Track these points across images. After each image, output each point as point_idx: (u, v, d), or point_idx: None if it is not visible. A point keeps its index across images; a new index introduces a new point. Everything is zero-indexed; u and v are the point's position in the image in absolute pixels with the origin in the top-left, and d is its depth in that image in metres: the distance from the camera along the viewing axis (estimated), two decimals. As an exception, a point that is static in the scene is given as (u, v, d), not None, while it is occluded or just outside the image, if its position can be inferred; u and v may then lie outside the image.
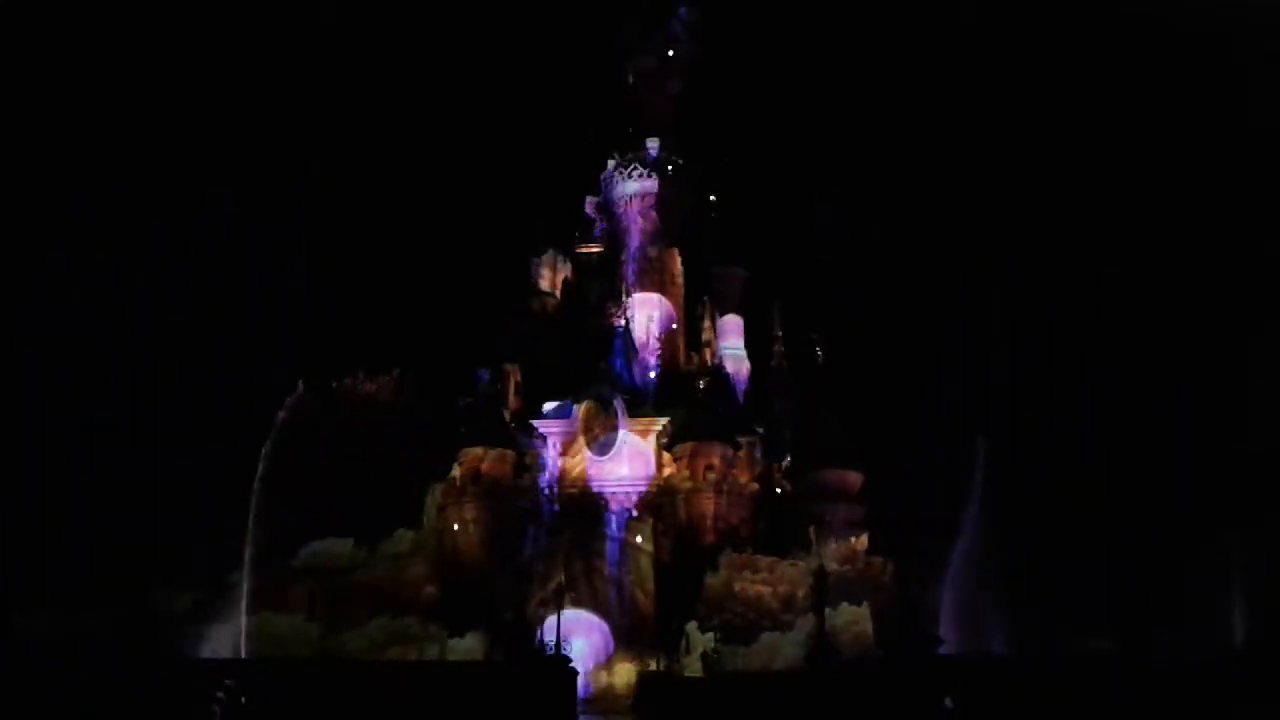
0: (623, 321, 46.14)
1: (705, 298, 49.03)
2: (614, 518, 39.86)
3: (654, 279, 48.59)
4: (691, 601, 36.34)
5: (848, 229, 60.58)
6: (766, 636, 33.75)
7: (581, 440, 42.10)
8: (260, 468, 34.25)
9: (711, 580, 36.67)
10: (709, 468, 41.02)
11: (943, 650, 33.30)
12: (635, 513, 40.34)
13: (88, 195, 55.79)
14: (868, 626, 33.27)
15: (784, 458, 43.98)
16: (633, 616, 37.63)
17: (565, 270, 50.25)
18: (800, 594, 34.88)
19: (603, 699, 35.14)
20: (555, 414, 42.87)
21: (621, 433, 41.81)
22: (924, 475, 41.95)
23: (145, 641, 33.17)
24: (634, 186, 50.38)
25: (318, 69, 64.93)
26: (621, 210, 50.56)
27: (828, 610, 31.65)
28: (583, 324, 46.86)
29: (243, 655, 32.29)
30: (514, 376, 45.05)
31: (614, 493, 41.31)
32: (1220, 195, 56.70)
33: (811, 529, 38.65)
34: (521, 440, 42.65)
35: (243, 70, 63.10)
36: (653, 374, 46.27)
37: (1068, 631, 35.57)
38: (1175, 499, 43.42)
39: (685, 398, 44.06)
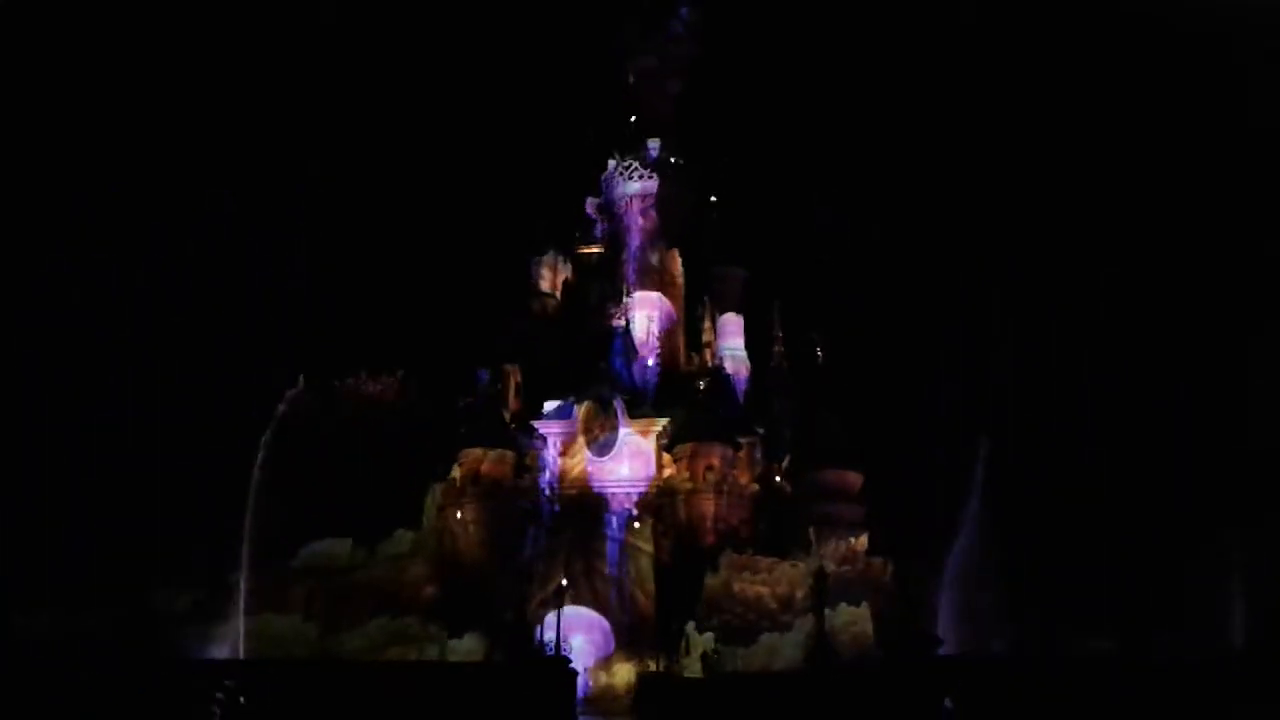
0: (623, 322, 46.09)
1: (705, 298, 49.00)
2: (614, 518, 39.85)
3: (654, 279, 48.56)
4: (691, 602, 36.31)
5: (848, 229, 60.58)
6: (766, 637, 33.72)
7: (581, 441, 42.08)
8: (259, 455, 34.32)
9: (711, 581, 36.65)
10: (709, 468, 41.00)
11: (942, 650, 33.32)
12: (635, 513, 40.30)
13: (88, 195, 55.82)
14: (867, 627, 33.23)
15: (784, 458, 43.94)
16: (633, 617, 37.62)
17: (565, 271, 50.20)
18: (800, 594, 34.86)
19: (602, 699, 35.16)
20: (555, 414, 42.86)
21: (621, 433, 41.79)
22: (924, 475, 42.02)
23: (145, 641, 33.16)
24: (634, 187, 50.34)
25: (318, 69, 64.95)
26: (622, 210, 50.51)
27: (827, 611, 31.65)
28: (583, 325, 46.81)
29: (241, 656, 32.29)
30: (514, 377, 45.04)
31: (614, 493, 41.28)
32: (1220, 195, 56.70)
33: (811, 529, 38.65)
34: (521, 441, 42.65)
35: (243, 70, 63.12)
36: (652, 374, 46.22)
37: (1068, 631, 35.52)
38: (1175, 499, 43.42)
39: (685, 398, 44.03)
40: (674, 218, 49.98)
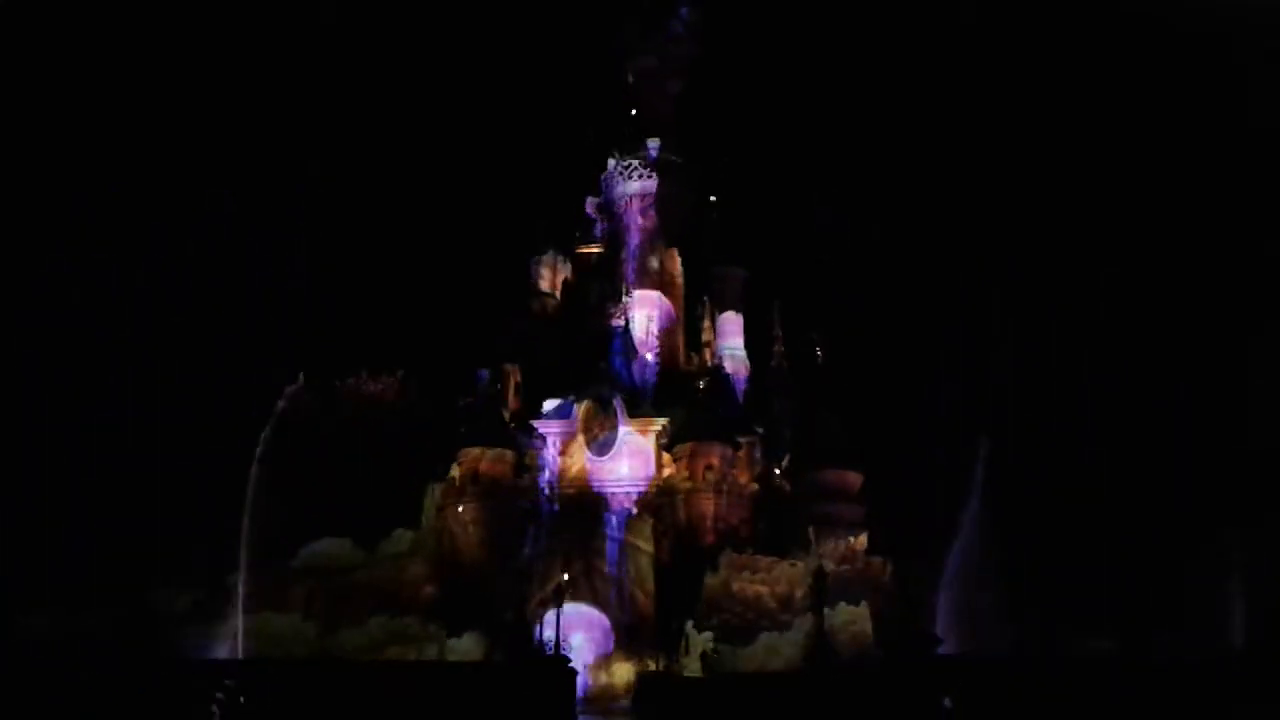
0: (622, 321, 46.07)
1: (705, 298, 48.97)
2: (614, 518, 39.84)
3: (654, 278, 48.55)
4: (691, 602, 36.31)
5: (848, 229, 60.58)
6: (765, 636, 33.70)
7: (581, 440, 42.06)
8: (258, 449, 34.36)
9: (710, 580, 36.65)
10: (708, 468, 40.97)
11: (942, 650, 33.33)
12: (635, 513, 40.31)
13: (88, 195, 55.84)
14: (866, 626, 33.22)
15: (784, 458, 43.93)
16: (632, 616, 37.61)
17: (565, 271, 50.15)
18: (799, 594, 34.87)
19: (602, 698, 35.17)
20: (555, 414, 42.85)
21: (621, 432, 41.78)
22: (924, 475, 42.04)
23: (145, 641, 33.18)
24: (634, 186, 50.30)
25: (318, 69, 64.96)
26: (622, 210, 50.48)
27: (826, 610, 31.66)
28: (583, 324, 46.78)
29: (240, 655, 32.31)
30: (514, 377, 45.02)
31: (614, 493, 41.27)
32: (1220, 195, 56.70)
33: (811, 529, 38.63)
34: (521, 440, 42.63)
35: (243, 70, 63.14)
36: (651, 373, 46.22)
37: (1068, 631, 35.49)
38: (1175, 499, 43.42)
39: (685, 398, 43.99)
40: (674, 217, 49.95)
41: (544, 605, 35.02)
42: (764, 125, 66.55)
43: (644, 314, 47.45)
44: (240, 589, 33.43)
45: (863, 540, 38.29)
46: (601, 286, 47.59)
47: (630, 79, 53.31)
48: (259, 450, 34.36)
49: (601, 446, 41.71)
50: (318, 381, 42.35)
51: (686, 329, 48.94)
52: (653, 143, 50.77)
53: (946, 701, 23.31)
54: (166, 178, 59.34)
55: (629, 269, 48.57)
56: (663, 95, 52.54)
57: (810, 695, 26.97)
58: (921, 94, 66.92)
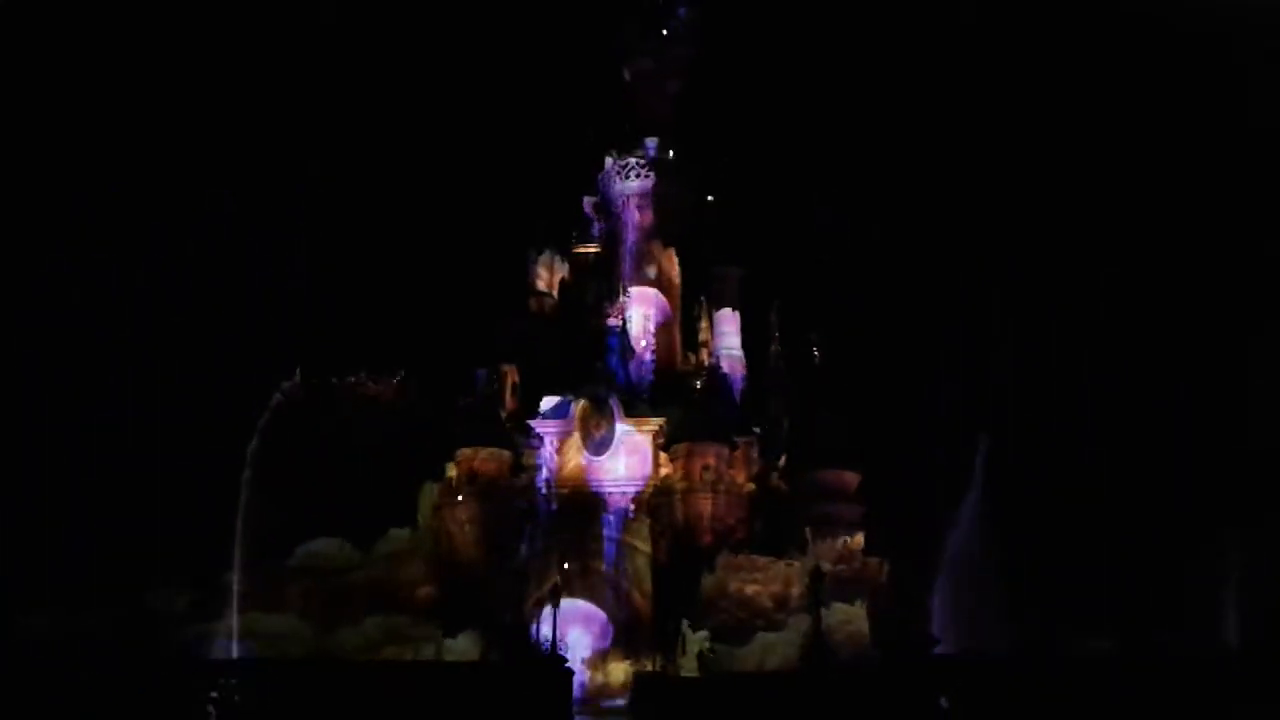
0: (619, 321, 46.05)
1: (702, 297, 48.93)
2: (611, 518, 39.87)
3: (651, 277, 48.54)
4: (688, 602, 36.33)
5: (846, 229, 60.53)
6: (761, 636, 33.72)
7: (578, 439, 42.06)
8: (252, 442, 34.41)
9: (707, 581, 36.66)
10: (705, 468, 40.89)
11: (939, 650, 33.33)
12: (632, 513, 40.31)
13: (88, 195, 55.91)
14: (863, 626, 33.23)
15: (781, 458, 43.88)
16: (629, 616, 37.64)
17: (563, 270, 50.12)
18: (795, 594, 34.88)
19: (599, 697, 35.19)
20: (552, 413, 42.84)
21: (619, 431, 41.78)
22: (922, 475, 42.01)
23: (144, 641, 33.23)
24: (632, 185, 50.27)
25: (318, 69, 65.01)
26: (619, 209, 50.46)
27: (822, 610, 31.66)
28: (580, 324, 46.79)
29: (235, 655, 32.35)
30: (511, 376, 44.98)
31: (611, 492, 41.25)
32: (1220, 195, 56.63)
33: (808, 529, 38.62)
34: (518, 440, 42.63)
35: (242, 70, 63.20)
36: (648, 371, 46.21)
37: (1067, 631, 35.46)
38: (1175, 499, 43.38)
39: (682, 397, 43.98)
40: (671, 216, 49.90)
41: (541, 605, 35.01)
42: (762, 125, 66.48)
43: (641, 312, 47.42)
44: (235, 588, 33.47)
45: (860, 540, 38.26)
46: (599, 286, 47.54)
47: (628, 78, 53.31)
48: (252, 443, 34.44)
49: (598, 446, 41.67)
50: (315, 380, 42.39)
51: (684, 328, 48.89)
52: (650, 142, 50.78)
53: (943, 701, 23.32)
54: (166, 178, 59.43)
55: (626, 267, 48.55)
56: (661, 95, 52.49)
57: (807, 695, 26.95)
58: (921, 94, 66.92)
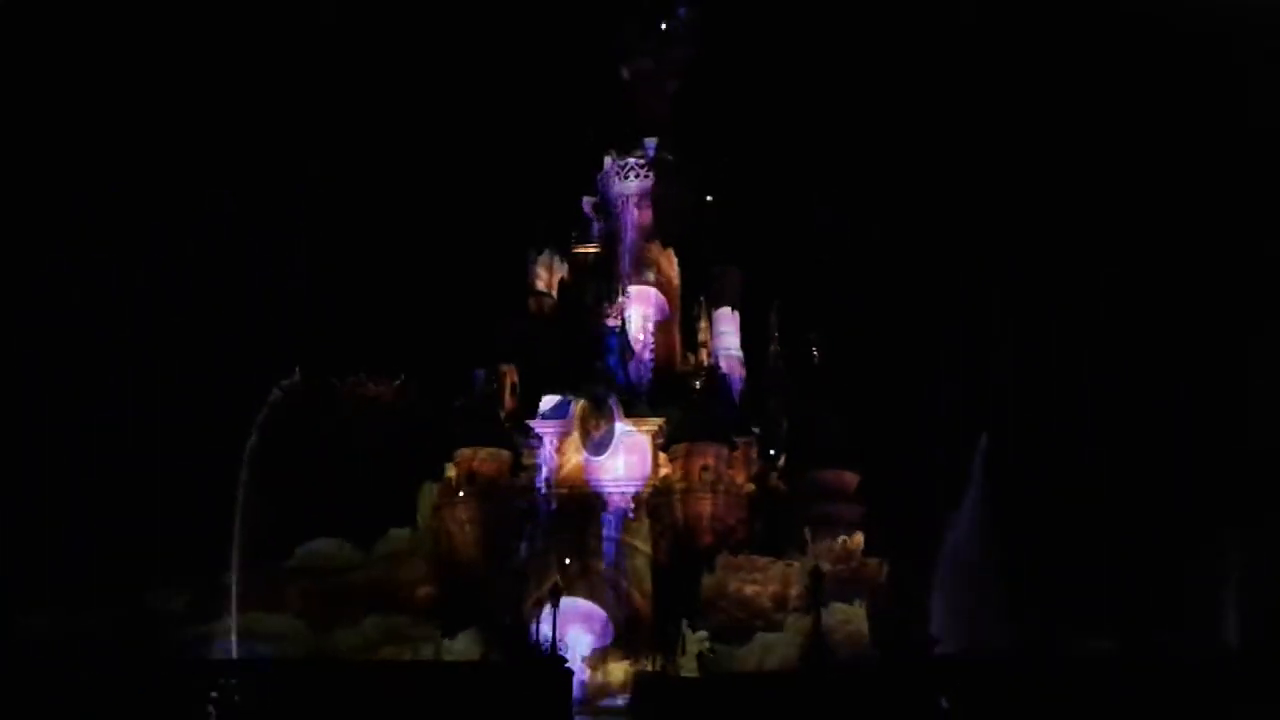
0: (618, 321, 46.07)
1: (702, 297, 48.93)
2: (611, 518, 39.89)
3: (650, 277, 48.54)
4: (688, 602, 36.34)
5: (846, 229, 60.53)
6: (760, 636, 33.72)
7: (577, 439, 42.08)
8: (250, 439, 34.43)
9: (707, 580, 36.67)
10: (704, 468, 40.88)
11: (938, 650, 33.30)
12: (632, 513, 40.32)
13: (88, 195, 55.93)
14: (862, 626, 33.24)
15: (780, 458, 43.89)
16: (629, 616, 37.65)
17: (562, 270, 50.16)
18: (794, 593, 34.89)
19: (598, 697, 35.20)
20: (551, 413, 42.87)
21: (618, 430, 41.80)
22: (922, 475, 42.02)
23: (144, 641, 33.25)
24: (631, 185, 50.29)
25: (318, 69, 65.03)
26: (618, 209, 50.47)
27: (822, 610, 31.66)
28: (580, 324, 46.83)
29: (234, 655, 32.36)
30: (510, 376, 45.04)
31: (610, 493, 41.27)
32: (1220, 195, 56.61)
33: (807, 529, 38.63)
34: (518, 440, 42.67)
35: (242, 70, 63.22)
36: (646, 370, 46.22)
37: (1067, 631, 35.44)
38: (1175, 499, 43.37)
39: (681, 397, 43.99)
40: (671, 216, 49.89)
41: (540, 605, 35.05)
42: (762, 125, 66.48)
43: (640, 312, 47.41)
44: (234, 588, 33.50)
45: (859, 540, 38.26)
46: (598, 286, 47.56)
47: (627, 78, 53.30)
48: (251, 439, 34.48)
49: (598, 445, 41.69)
50: (315, 381, 42.42)
51: (683, 329, 48.88)
52: (650, 142, 50.78)
53: (943, 701, 23.28)
54: (167, 177, 59.45)
55: (625, 267, 48.52)
56: (660, 95, 52.52)
57: (807, 695, 26.92)
58: (921, 93, 66.92)
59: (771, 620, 34.68)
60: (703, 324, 48.19)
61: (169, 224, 56.72)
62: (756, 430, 44.14)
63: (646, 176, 50.04)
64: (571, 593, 36.52)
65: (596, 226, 51.22)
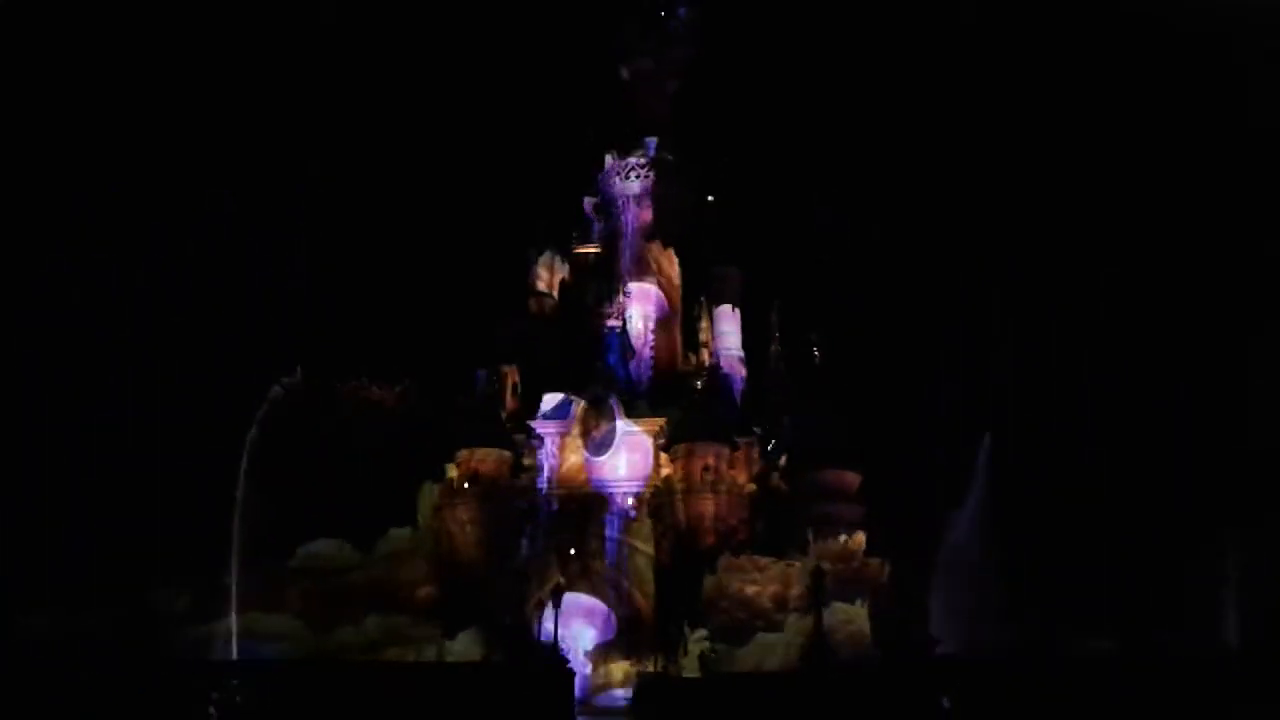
0: (619, 322, 46.06)
1: (702, 297, 48.91)
2: (612, 518, 39.87)
3: (650, 276, 48.54)
4: (690, 602, 36.33)
5: (846, 228, 60.56)
6: (761, 637, 33.72)
7: (578, 439, 42.08)
8: (249, 435, 34.43)
9: (708, 581, 36.66)
10: (705, 468, 40.85)
11: (940, 650, 33.32)
12: (634, 513, 40.32)
13: (88, 195, 55.92)
14: (864, 626, 33.20)
15: (781, 458, 43.88)
16: (631, 616, 37.63)
17: (563, 271, 50.15)
18: (795, 594, 34.88)
19: (599, 694, 35.17)
20: (552, 413, 42.88)
21: (619, 430, 41.79)
22: (922, 475, 42.03)
23: (144, 641, 33.24)
24: (632, 186, 50.31)
25: (318, 69, 65.03)
26: (619, 209, 50.47)
27: (823, 610, 31.64)
28: (580, 324, 46.83)
29: (235, 655, 32.36)
30: (511, 377, 45.05)
31: (612, 493, 41.27)
32: (1220, 195, 56.65)
33: (808, 529, 38.59)
34: (518, 440, 42.67)
35: (242, 70, 63.21)
36: (646, 369, 46.21)
37: (1067, 631, 35.48)
38: (1175, 499, 43.40)
39: (682, 398, 43.95)
40: (671, 216, 49.89)
41: (541, 605, 35.05)
42: (762, 125, 66.51)
43: (641, 312, 47.39)
44: (234, 588, 33.49)
45: (860, 540, 38.23)
46: (599, 286, 47.54)
47: (627, 78, 53.28)
48: (251, 433, 34.49)
49: (599, 445, 41.70)
50: (317, 382, 42.45)
51: (684, 329, 48.84)
52: (650, 142, 50.77)
53: (945, 701, 23.31)
54: (167, 177, 59.43)
55: (625, 267, 48.49)
56: (660, 95, 52.53)
57: (808, 696, 26.94)
58: (921, 93, 66.95)
59: (773, 620, 34.64)
60: (703, 324, 48.14)
61: (169, 224, 56.78)
62: (757, 430, 44.14)
63: (647, 176, 50.04)
64: (574, 589, 36.46)
65: (597, 226, 51.19)
